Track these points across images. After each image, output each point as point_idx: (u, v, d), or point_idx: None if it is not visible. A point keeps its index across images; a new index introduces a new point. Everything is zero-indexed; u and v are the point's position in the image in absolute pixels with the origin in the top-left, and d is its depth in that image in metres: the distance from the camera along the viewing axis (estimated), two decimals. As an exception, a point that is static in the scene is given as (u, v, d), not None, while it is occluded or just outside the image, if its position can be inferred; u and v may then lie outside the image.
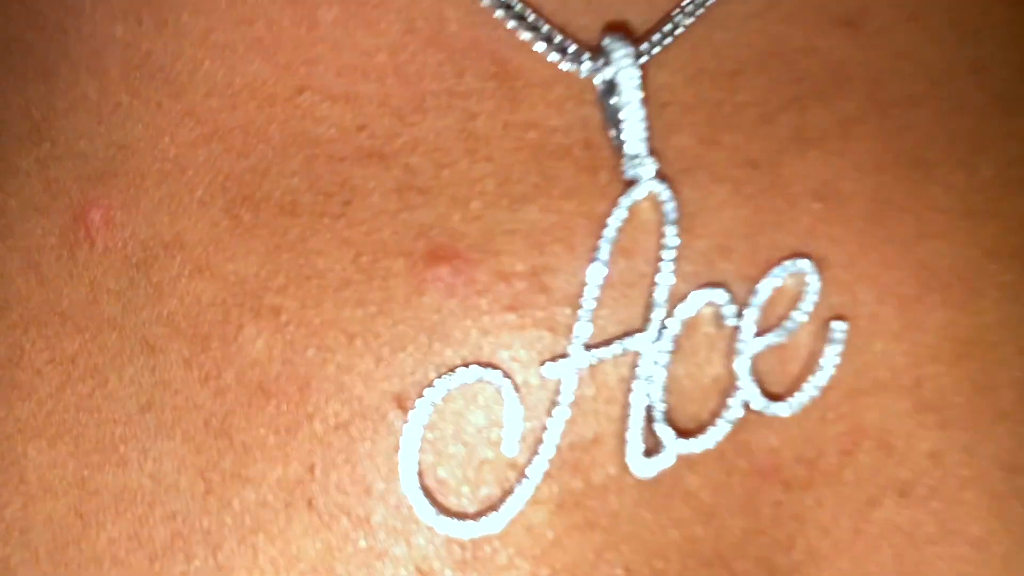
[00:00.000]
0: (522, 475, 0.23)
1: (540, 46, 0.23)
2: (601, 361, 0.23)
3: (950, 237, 0.24)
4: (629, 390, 0.23)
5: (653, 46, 0.23)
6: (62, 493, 0.23)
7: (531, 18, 0.23)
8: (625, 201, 0.23)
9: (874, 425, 0.24)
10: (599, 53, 0.23)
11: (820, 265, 0.23)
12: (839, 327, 0.24)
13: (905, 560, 0.24)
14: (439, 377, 0.23)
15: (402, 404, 0.23)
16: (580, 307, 0.23)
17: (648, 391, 0.23)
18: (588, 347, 0.23)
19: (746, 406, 0.24)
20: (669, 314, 0.23)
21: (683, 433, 0.24)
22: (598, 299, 0.23)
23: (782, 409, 0.24)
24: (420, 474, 0.23)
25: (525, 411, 0.23)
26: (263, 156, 0.23)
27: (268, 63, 0.23)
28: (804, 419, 0.23)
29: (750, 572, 0.23)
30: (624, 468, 0.23)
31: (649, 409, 0.23)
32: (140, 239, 0.23)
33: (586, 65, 0.23)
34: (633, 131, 0.23)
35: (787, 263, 0.23)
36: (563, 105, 0.23)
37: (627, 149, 0.23)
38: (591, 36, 0.23)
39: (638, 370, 0.23)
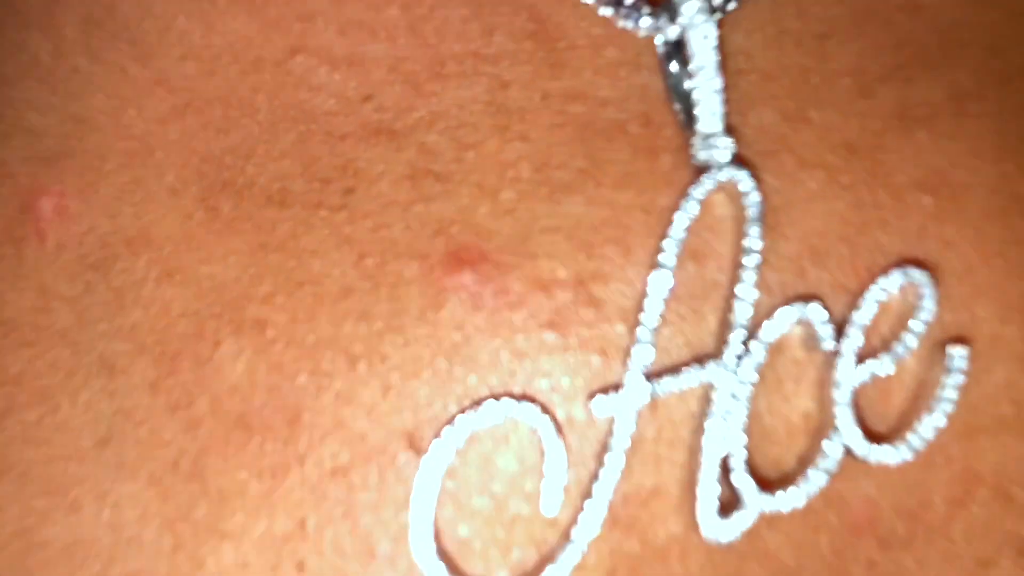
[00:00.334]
0: (565, 536, 0.22)
1: (588, -2, 0.22)
2: (665, 394, 0.22)
3: None
4: (700, 430, 0.22)
5: (729, 1, 0.22)
6: (2, 545, 0.23)
7: (577, -38, 0.22)
8: (696, 192, 0.22)
9: (991, 470, 0.23)
10: (663, 6, 0.22)
11: (932, 274, 0.22)
12: (958, 352, 0.22)
13: None
14: (461, 412, 0.21)
15: (415, 445, 0.22)
16: (638, 325, 0.22)
17: (724, 432, 0.22)
18: (648, 376, 0.22)
19: (846, 451, 0.22)
20: (751, 335, 0.22)
21: (767, 485, 0.22)
22: (661, 315, 0.22)
23: (889, 455, 0.22)
24: (436, 533, 0.21)
25: (569, 456, 0.22)
26: (248, 133, 0.23)
27: (255, 19, 0.23)
28: (907, 462, 0.22)
29: None
30: (691, 527, 0.22)
31: (725, 455, 0.22)
32: (99, 234, 0.23)
33: (646, 21, 0.22)
34: (707, 104, 0.22)
35: (895, 272, 0.22)
36: (616, 71, 0.22)
37: (698, 127, 0.22)
38: None
39: (712, 406, 0.22)
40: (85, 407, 0.22)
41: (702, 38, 0.22)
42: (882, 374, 0.22)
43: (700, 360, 0.22)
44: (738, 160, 0.22)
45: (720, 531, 0.22)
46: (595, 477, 0.21)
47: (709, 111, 0.22)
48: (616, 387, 0.22)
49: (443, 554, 0.21)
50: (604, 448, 0.22)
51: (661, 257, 0.22)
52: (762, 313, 0.22)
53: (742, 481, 0.22)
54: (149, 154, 0.23)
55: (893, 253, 0.22)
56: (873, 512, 0.22)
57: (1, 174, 0.23)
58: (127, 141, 0.23)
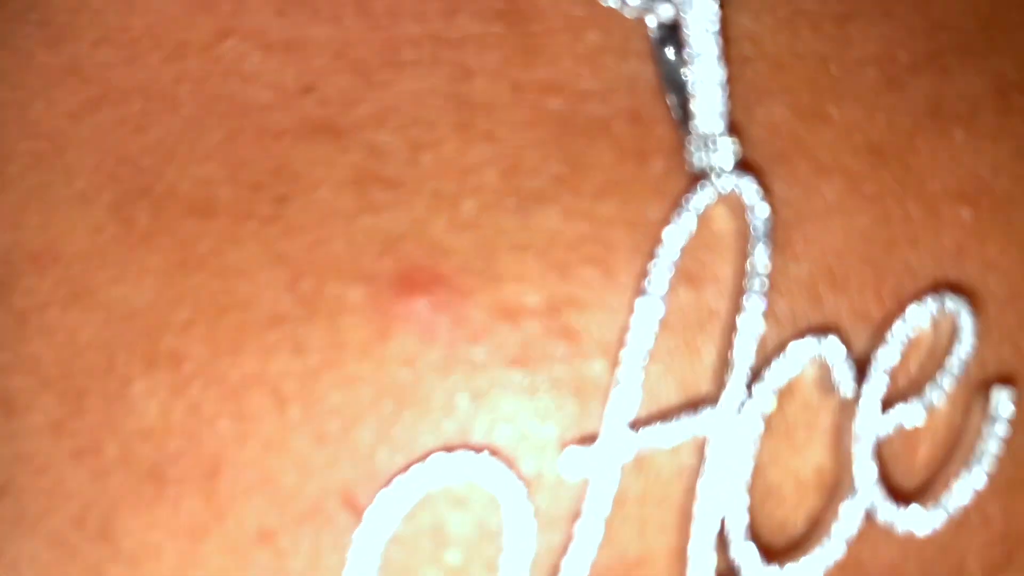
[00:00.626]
0: (532, 615, 0.20)
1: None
2: (652, 446, 0.20)
3: None
4: (693, 490, 0.20)
5: None
6: None
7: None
8: (691, 203, 0.20)
9: None
10: None
11: (971, 301, 0.21)
12: (1003, 395, 0.21)
13: None
14: (409, 466, 0.20)
15: (353, 504, 0.20)
16: (621, 363, 0.20)
17: (721, 491, 0.20)
18: (633, 424, 0.20)
19: (868, 516, 0.20)
20: (755, 376, 0.20)
21: (772, 555, 0.20)
22: (648, 351, 0.20)
23: (919, 522, 0.21)
24: (379, 612, 0.20)
25: (538, 520, 0.20)
26: (168, 130, 0.22)
27: None
28: None
29: None
30: None
31: (722, 518, 0.20)
32: (0, 248, 0.22)
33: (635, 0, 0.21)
34: (706, 98, 0.21)
35: (927, 299, 0.21)
36: (600, 59, 0.21)
37: (696, 125, 0.21)
38: None
39: (707, 460, 0.20)
40: None
41: (701, 20, 0.21)
42: (910, 424, 0.21)
43: (694, 405, 0.20)
44: (743, 165, 0.21)
45: (716, 609, 0.20)
46: (569, 545, 0.20)
47: (708, 107, 0.21)
48: (594, 437, 0.20)
49: (387, 635, 0.20)
50: (579, 510, 0.20)
51: (649, 281, 0.20)
52: (769, 349, 0.21)
53: (743, 550, 0.20)
54: (58, 155, 0.22)
55: (925, 276, 0.21)
56: None
57: None
58: (34, 140, 0.22)
